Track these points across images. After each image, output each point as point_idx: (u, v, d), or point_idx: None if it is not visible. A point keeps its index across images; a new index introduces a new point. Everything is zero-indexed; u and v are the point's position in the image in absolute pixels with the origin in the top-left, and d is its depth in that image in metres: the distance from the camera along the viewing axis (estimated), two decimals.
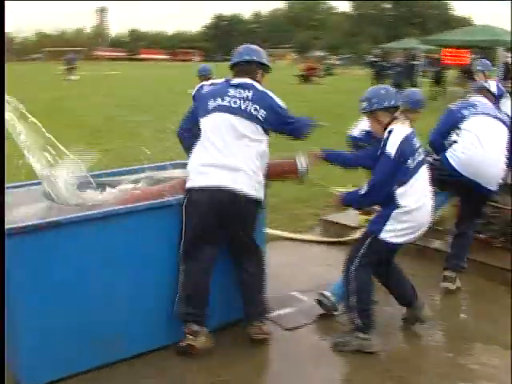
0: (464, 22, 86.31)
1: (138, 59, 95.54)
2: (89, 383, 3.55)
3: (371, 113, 3.98)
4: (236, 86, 3.89)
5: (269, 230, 4.58)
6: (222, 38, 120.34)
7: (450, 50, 22.78)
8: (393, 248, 3.93)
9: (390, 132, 3.86)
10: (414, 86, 22.90)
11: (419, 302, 4.26)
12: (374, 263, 3.94)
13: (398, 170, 3.77)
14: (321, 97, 21.90)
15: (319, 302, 4.47)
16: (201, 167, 3.73)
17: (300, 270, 5.43)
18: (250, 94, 3.84)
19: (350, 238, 5.93)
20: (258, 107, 3.79)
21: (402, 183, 3.78)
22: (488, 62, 6.89)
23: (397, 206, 3.79)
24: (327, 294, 4.45)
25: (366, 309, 3.91)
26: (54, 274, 3.41)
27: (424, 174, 3.92)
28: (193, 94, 6.72)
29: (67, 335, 3.52)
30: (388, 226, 3.81)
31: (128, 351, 3.78)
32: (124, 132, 13.11)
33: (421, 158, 3.89)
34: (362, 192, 3.87)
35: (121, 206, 3.71)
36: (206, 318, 3.84)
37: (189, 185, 3.76)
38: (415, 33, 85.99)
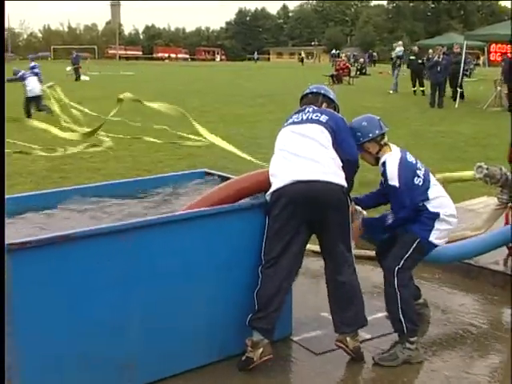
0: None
1: (154, 58, 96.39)
2: None
3: (360, 146, 4.33)
4: (298, 112, 4.36)
5: None
6: (246, 34, 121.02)
7: (498, 45, 22.57)
8: (433, 249, 4.31)
9: (383, 165, 4.24)
10: (456, 86, 22.76)
11: (423, 299, 4.82)
12: (415, 265, 4.33)
13: (412, 192, 4.15)
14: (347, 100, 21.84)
15: None
16: None
17: None
18: (310, 109, 4.30)
19: None
20: (319, 114, 4.23)
21: (424, 200, 4.19)
22: None
23: (437, 212, 4.20)
24: None
25: (411, 313, 4.16)
26: (59, 293, 3.41)
27: (435, 181, 4.34)
28: None
29: (72, 360, 3.51)
30: (435, 228, 4.19)
31: (142, 378, 3.77)
32: None
33: (423, 170, 4.29)
34: (390, 222, 4.26)
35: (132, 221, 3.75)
36: (271, 325, 3.97)
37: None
38: (458, 27, 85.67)
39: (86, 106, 17.52)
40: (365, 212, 4.54)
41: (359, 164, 4.26)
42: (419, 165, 4.31)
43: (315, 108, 4.31)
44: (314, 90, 4.52)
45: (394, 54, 28.77)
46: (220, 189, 4.23)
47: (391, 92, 26.48)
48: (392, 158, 4.25)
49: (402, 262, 4.16)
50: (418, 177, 4.20)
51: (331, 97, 4.52)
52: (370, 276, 5.32)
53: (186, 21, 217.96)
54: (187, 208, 4.05)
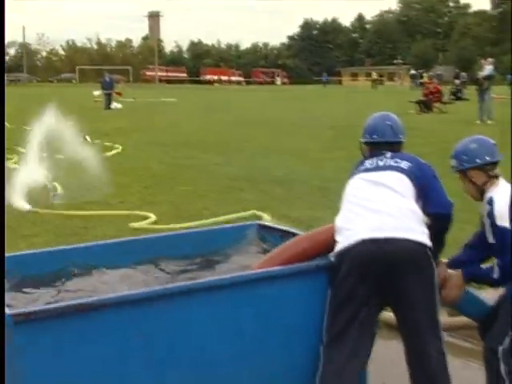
0: None
1: (202, 81, 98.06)
2: None
3: (462, 172, 4.31)
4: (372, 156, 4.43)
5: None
6: (313, 52, 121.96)
7: None
8: None
9: (490, 202, 4.13)
10: None
11: None
12: None
13: None
14: (445, 131, 21.68)
15: None
16: None
17: None
18: (388, 154, 4.35)
19: None
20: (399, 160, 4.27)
21: None
22: None
23: None
24: None
25: None
26: (70, 372, 3.41)
27: None
28: None
29: None
30: None
31: None
32: None
33: None
34: (496, 276, 4.11)
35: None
36: None
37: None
38: None
39: (116, 140, 17.98)
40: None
41: (452, 218, 4.18)
42: None
43: (394, 153, 4.33)
44: (376, 139, 4.51)
45: (480, 75, 27.91)
46: (291, 245, 4.25)
47: (489, 122, 25.82)
48: (502, 193, 4.15)
49: (508, 339, 4.00)
50: None
51: (395, 140, 4.50)
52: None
53: (239, 36, 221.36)
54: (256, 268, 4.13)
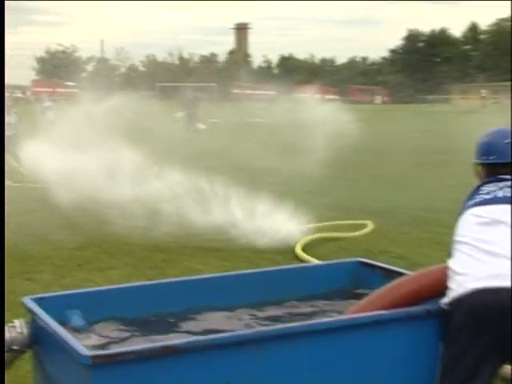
0: None
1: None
2: None
3: None
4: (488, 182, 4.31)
5: None
6: (418, 66, 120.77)
7: None
8: None
9: None
10: None
11: None
12: None
13: None
14: None
15: None
16: None
17: None
18: (509, 182, 4.19)
19: None
20: None
21: None
22: None
23: None
24: None
25: None
26: None
27: None
28: None
29: None
30: None
31: None
32: None
33: None
34: None
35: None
36: None
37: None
38: None
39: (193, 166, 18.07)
40: None
41: None
42: None
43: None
44: (493, 160, 4.35)
45: None
46: (394, 287, 4.25)
47: None
48: None
49: None
50: None
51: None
52: None
53: (335, 48, 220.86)
54: (352, 312, 4.13)
